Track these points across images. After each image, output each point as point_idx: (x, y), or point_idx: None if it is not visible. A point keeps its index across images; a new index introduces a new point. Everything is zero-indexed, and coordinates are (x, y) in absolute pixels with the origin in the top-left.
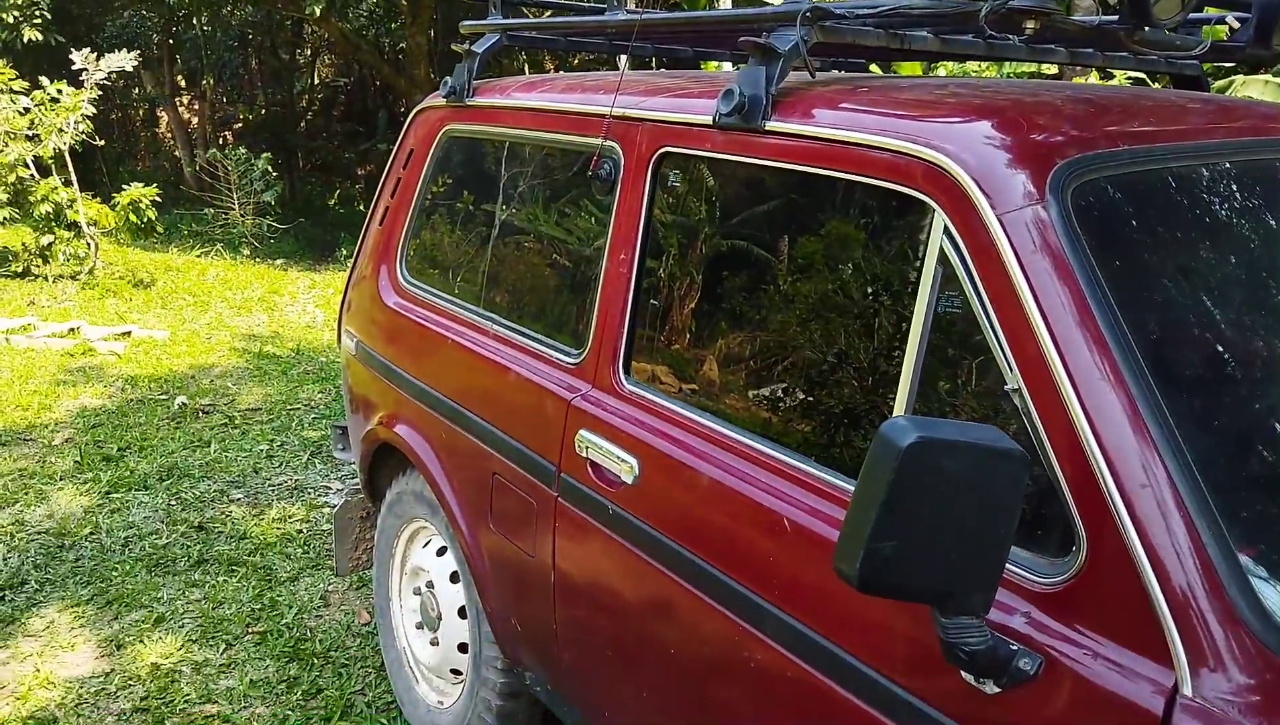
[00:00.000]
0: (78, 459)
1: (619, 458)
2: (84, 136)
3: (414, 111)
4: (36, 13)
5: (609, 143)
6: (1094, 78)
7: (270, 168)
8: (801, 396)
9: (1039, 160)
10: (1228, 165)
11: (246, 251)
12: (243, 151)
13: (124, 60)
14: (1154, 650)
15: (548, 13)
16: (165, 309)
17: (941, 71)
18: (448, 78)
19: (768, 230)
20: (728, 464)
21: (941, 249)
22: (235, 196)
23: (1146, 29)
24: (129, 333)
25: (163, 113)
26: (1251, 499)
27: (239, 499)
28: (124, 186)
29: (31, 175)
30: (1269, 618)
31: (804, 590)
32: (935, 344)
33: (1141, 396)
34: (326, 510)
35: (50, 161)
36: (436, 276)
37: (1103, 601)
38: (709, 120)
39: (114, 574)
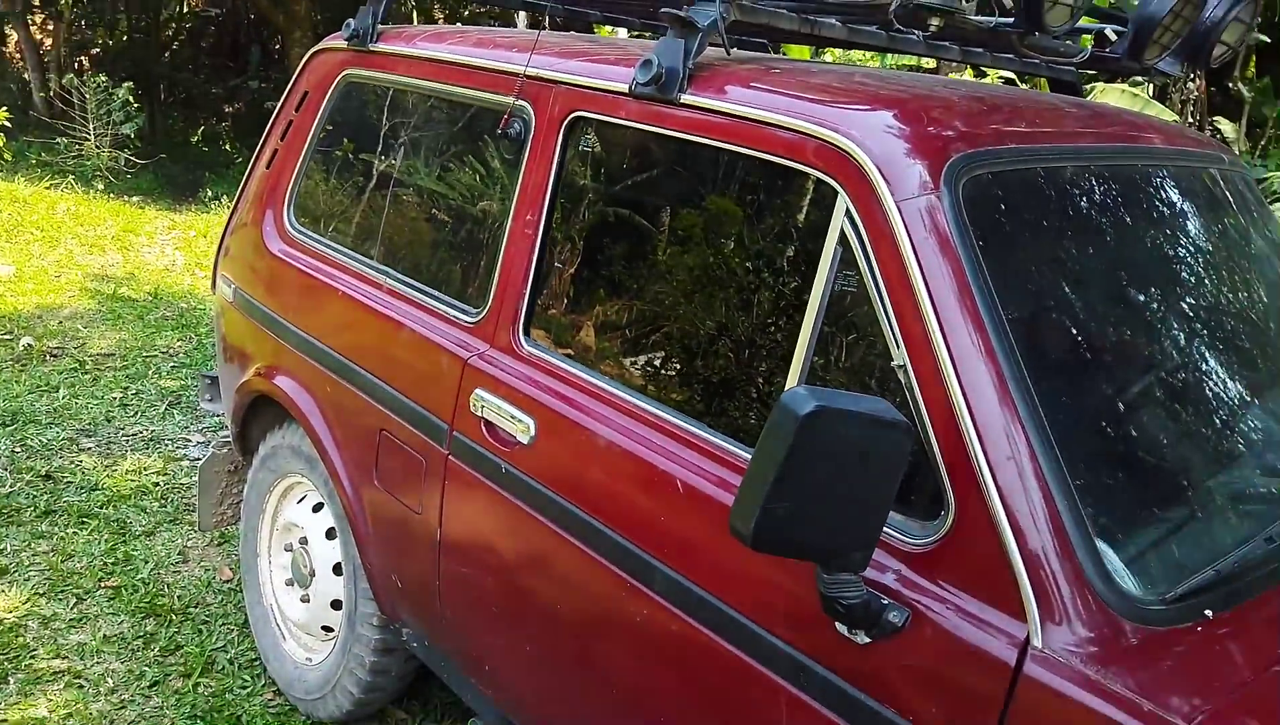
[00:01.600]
0: None
1: (515, 418)
2: None
3: (310, 52)
4: None
5: (520, 102)
6: (968, 75)
7: (132, 98)
8: (700, 364)
9: (935, 152)
10: (1100, 167)
11: (101, 186)
12: (103, 79)
13: None
14: (1010, 606)
15: None
16: (9, 243)
17: (828, 58)
18: (350, 20)
19: (675, 200)
20: (624, 426)
21: (842, 230)
22: (91, 127)
23: (1037, 34)
24: None
25: (12, 31)
26: (1104, 472)
27: (90, 448)
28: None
29: None
30: (1111, 578)
31: (693, 548)
32: (829, 319)
33: (1012, 376)
34: (185, 463)
35: None
36: (327, 226)
37: (966, 561)
38: (624, 88)
39: None
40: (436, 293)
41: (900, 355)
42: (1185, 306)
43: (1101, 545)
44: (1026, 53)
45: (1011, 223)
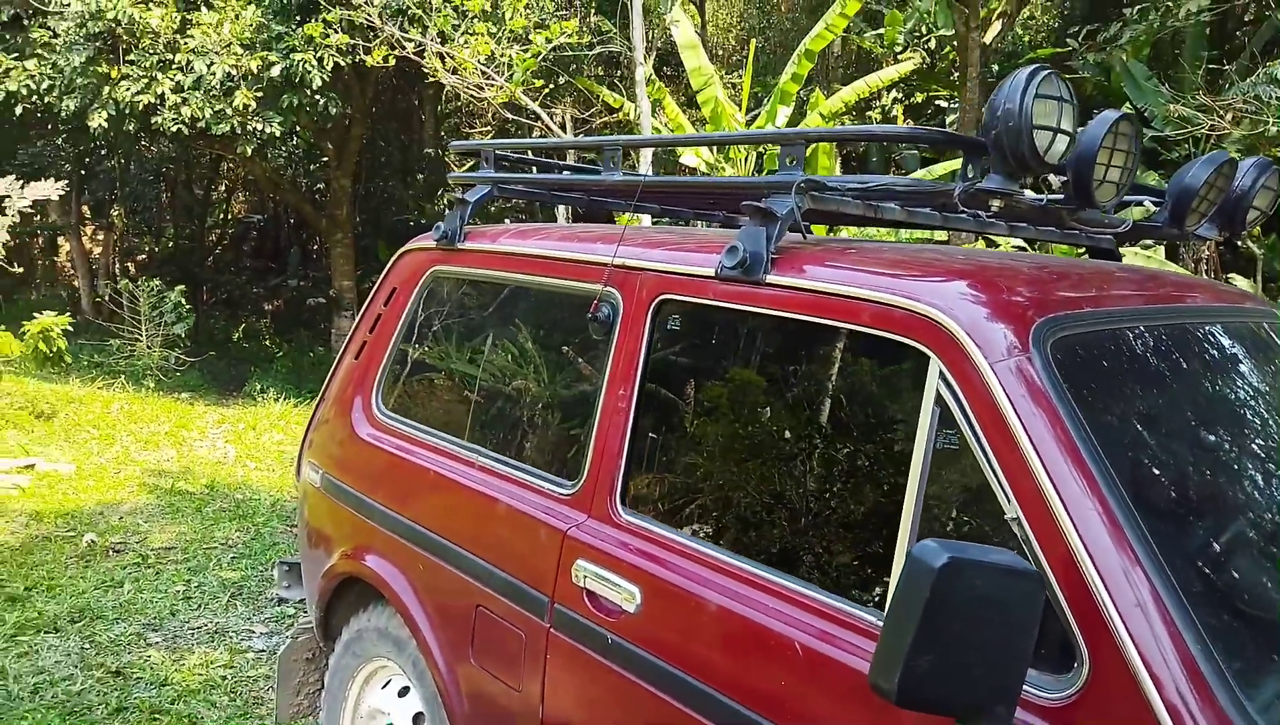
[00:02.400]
0: None
1: (620, 586)
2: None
3: (399, 253)
4: None
5: (609, 288)
6: (981, 243)
7: (184, 300)
8: (807, 528)
9: (1020, 317)
10: (1165, 324)
11: (151, 384)
12: (156, 282)
13: (49, 189)
14: None
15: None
16: (69, 442)
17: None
18: (439, 223)
19: (764, 371)
20: (735, 591)
21: (938, 392)
22: (144, 328)
23: (1087, 209)
24: (33, 466)
25: (64, 241)
26: (1225, 614)
27: (157, 643)
28: (33, 315)
29: None
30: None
31: (815, 713)
32: (933, 476)
33: (1126, 522)
34: (251, 655)
35: None
36: (416, 410)
37: (1106, 713)
38: (709, 271)
39: (24, 724)
40: (530, 468)
41: (1013, 508)
42: (1258, 446)
43: (1240, 688)
44: (1077, 226)
45: (1095, 379)
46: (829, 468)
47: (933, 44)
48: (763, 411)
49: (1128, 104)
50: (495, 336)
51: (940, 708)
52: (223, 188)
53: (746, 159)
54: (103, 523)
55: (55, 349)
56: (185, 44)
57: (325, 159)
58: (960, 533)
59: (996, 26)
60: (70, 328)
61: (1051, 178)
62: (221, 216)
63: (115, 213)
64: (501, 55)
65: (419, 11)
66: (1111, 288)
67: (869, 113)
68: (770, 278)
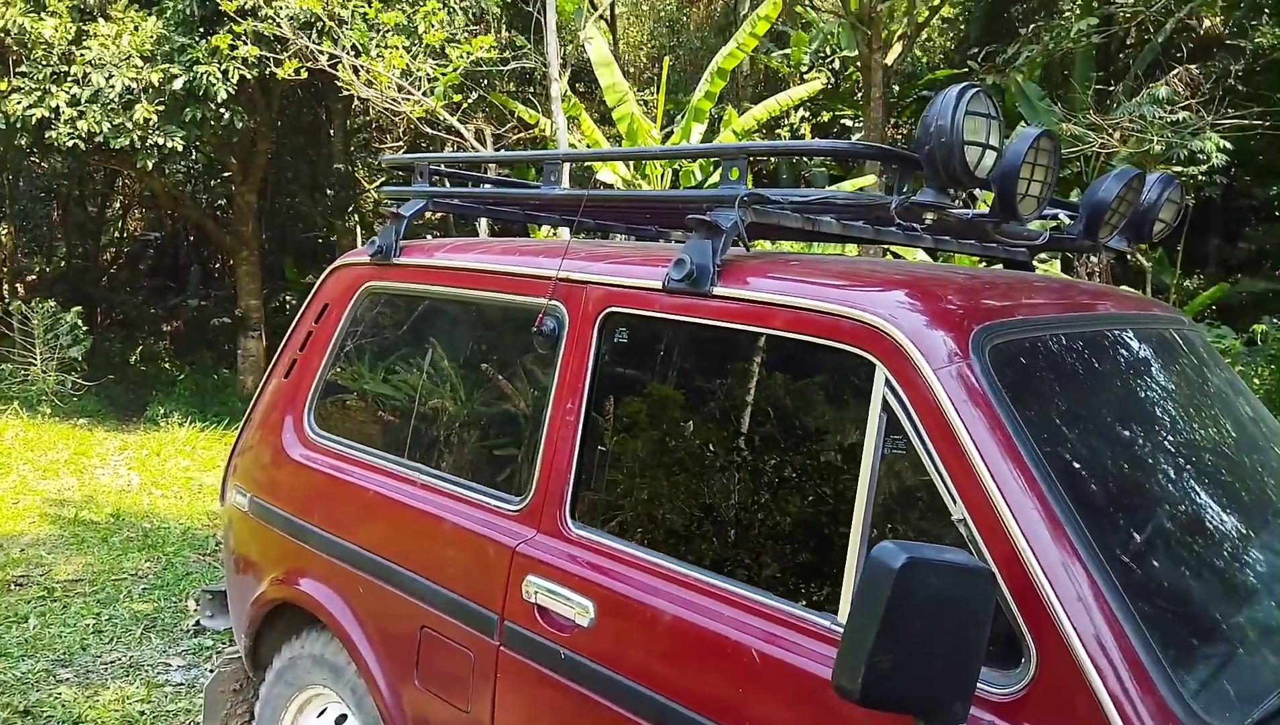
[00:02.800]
0: None
1: (572, 601)
2: None
3: (330, 268)
4: None
5: (554, 302)
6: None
7: (80, 322)
8: (758, 535)
9: (959, 325)
10: (1088, 331)
11: (47, 410)
12: (51, 304)
13: None
14: None
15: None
16: None
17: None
18: (374, 237)
19: (711, 381)
20: (691, 602)
21: (884, 398)
22: (38, 351)
23: (1010, 222)
24: None
25: None
26: (1160, 603)
27: (68, 679)
28: None
29: None
30: (1193, 712)
31: (773, 718)
32: (881, 480)
33: (1065, 518)
34: (169, 689)
35: None
36: (353, 428)
37: (1054, 705)
38: (656, 284)
39: None
40: (474, 484)
41: (959, 509)
42: (1178, 443)
43: (1177, 676)
44: (998, 238)
45: (1029, 383)
46: (776, 475)
47: (836, 65)
48: (711, 422)
49: (1022, 123)
50: (433, 352)
51: (901, 705)
52: (117, 205)
53: (663, 176)
54: (2, 555)
55: None
56: (81, 56)
57: (228, 174)
58: (907, 535)
59: (897, 49)
60: None
61: (976, 192)
62: (117, 234)
63: (3, 231)
64: (418, 69)
65: (331, 24)
66: (1036, 297)
67: (778, 131)
68: (717, 290)
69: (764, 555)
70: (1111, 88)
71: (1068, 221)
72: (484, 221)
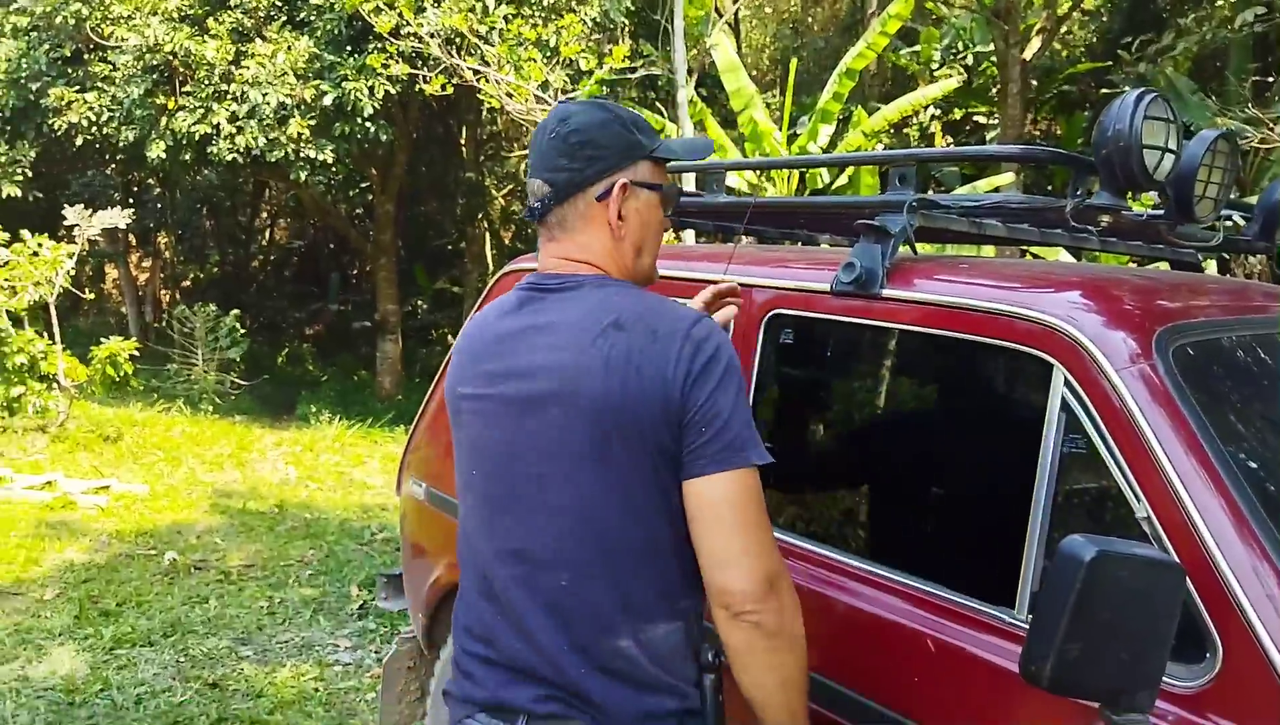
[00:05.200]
0: (75, 614)
1: None
2: (65, 290)
3: (502, 271)
4: (18, 169)
5: None
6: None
7: (239, 325)
8: (931, 530)
9: (1141, 326)
10: (1264, 331)
11: (209, 407)
12: (213, 308)
13: (117, 217)
14: None
15: None
16: (138, 464)
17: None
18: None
19: (879, 380)
20: (863, 593)
21: (1064, 398)
22: (200, 352)
23: (1186, 224)
24: (108, 487)
25: (111, 268)
26: None
27: (249, 656)
28: (96, 341)
29: (5, 327)
30: None
31: (955, 706)
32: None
33: (1253, 518)
34: (339, 668)
35: (24, 314)
36: None
37: (1240, 699)
38: (823, 287)
39: None
40: None
41: (1142, 508)
42: None
43: None
44: (1170, 240)
45: (1212, 383)
46: (946, 471)
47: (969, 61)
48: (879, 419)
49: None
50: None
51: (1088, 693)
52: (265, 215)
53: (789, 179)
54: (181, 541)
55: (123, 373)
56: (240, 75)
57: (365, 184)
58: (1084, 532)
59: (1036, 43)
60: (137, 353)
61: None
62: (264, 242)
63: (163, 240)
64: (555, 81)
65: (474, 40)
66: (1213, 298)
67: (905, 130)
68: (886, 292)
69: (937, 550)
70: (1271, 80)
71: (1242, 223)
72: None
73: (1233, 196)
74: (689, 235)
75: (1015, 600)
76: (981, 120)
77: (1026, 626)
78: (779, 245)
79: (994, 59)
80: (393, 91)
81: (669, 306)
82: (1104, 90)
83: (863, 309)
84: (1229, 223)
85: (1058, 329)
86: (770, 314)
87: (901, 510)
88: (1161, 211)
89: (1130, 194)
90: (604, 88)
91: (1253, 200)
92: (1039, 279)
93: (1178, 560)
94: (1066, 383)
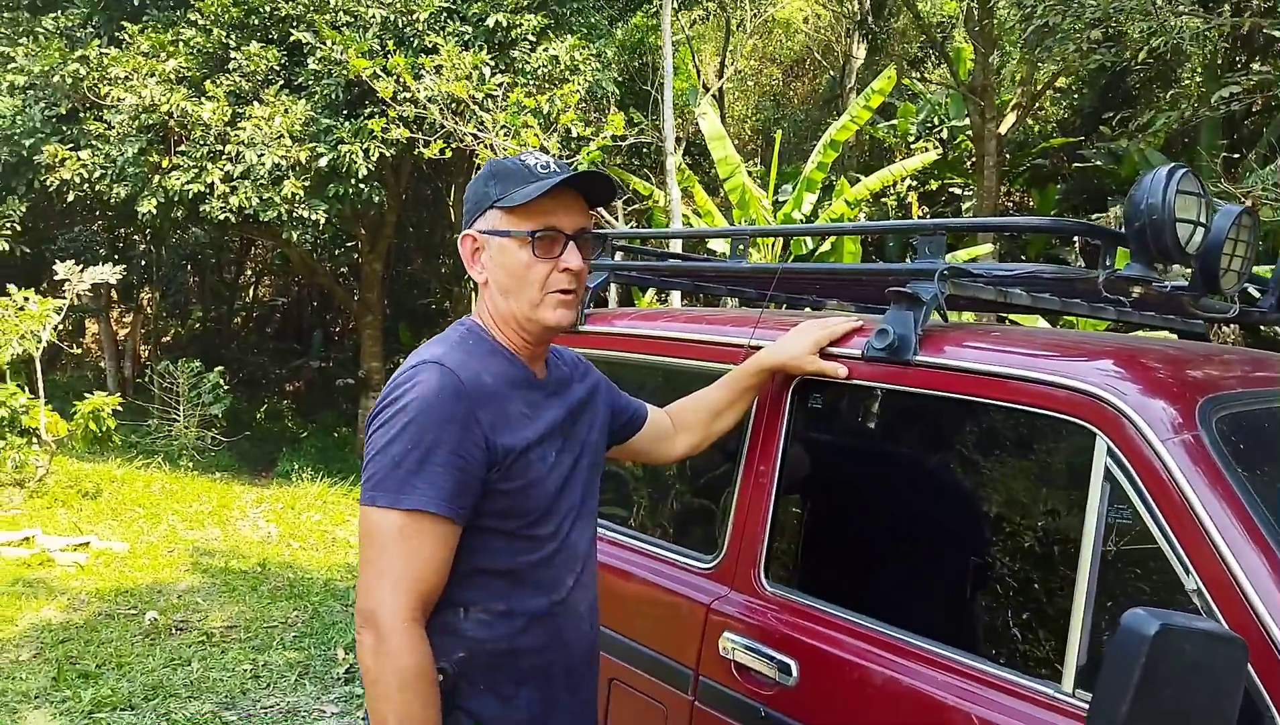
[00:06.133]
0: (53, 676)
1: (773, 659)
2: (50, 344)
3: None
4: (7, 225)
5: None
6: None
7: (222, 381)
8: (968, 601)
9: (1183, 396)
10: None
11: (188, 463)
12: (197, 363)
13: (108, 273)
14: None
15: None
16: (117, 520)
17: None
18: None
19: (910, 447)
20: (902, 665)
21: (1106, 468)
22: (181, 407)
23: (1209, 296)
24: (88, 543)
25: (91, 323)
26: None
27: (233, 722)
28: (86, 395)
29: None
30: None
31: None
32: (1105, 548)
33: None
34: None
35: (6, 368)
36: None
37: None
38: (854, 352)
39: None
40: (660, 541)
41: (1192, 579)
42: None
43: None
44: (1194, 312)
45: (1256, 453)
46: (983, 541)
47: (944, 134)
48: (910, 488)
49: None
50: None
51: None
52: (249, 272)
53: (773, 246)
54: (162, 600)
55: (105, 428)
56: (236, 135)
57: (351, 243)
58: (1131, 603)
59: (1010, 118)
60: (119, 408)
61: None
62: (248, 299)
63: (145, 296)
64: (552, 147)
65: (473, 108)
66: (1243, 368)
67: (884, 199)
68: (919, 358)
69: (976, 622)
70: (1238, 155)
71: (1257, 295)
72: (677, 293)
73: None
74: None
75: (1061, 674)
76: (956, 191)
77: (1073, 701)
78: (799, 311)
79: (969, 133)
80: (387, 155)
81: (421, 352)
82: (1076, 164)
83: (895, 375)
84: (1245, 295)
85: (1100, 398)
86: (799, 379)
87: (939, 581)
88: (1186, 284)
89: (1161, 266)
90: (603, 154)
91: (1265, 271)
92: (1074, 348)
93: (1239, 636)
94: (1110, 452)
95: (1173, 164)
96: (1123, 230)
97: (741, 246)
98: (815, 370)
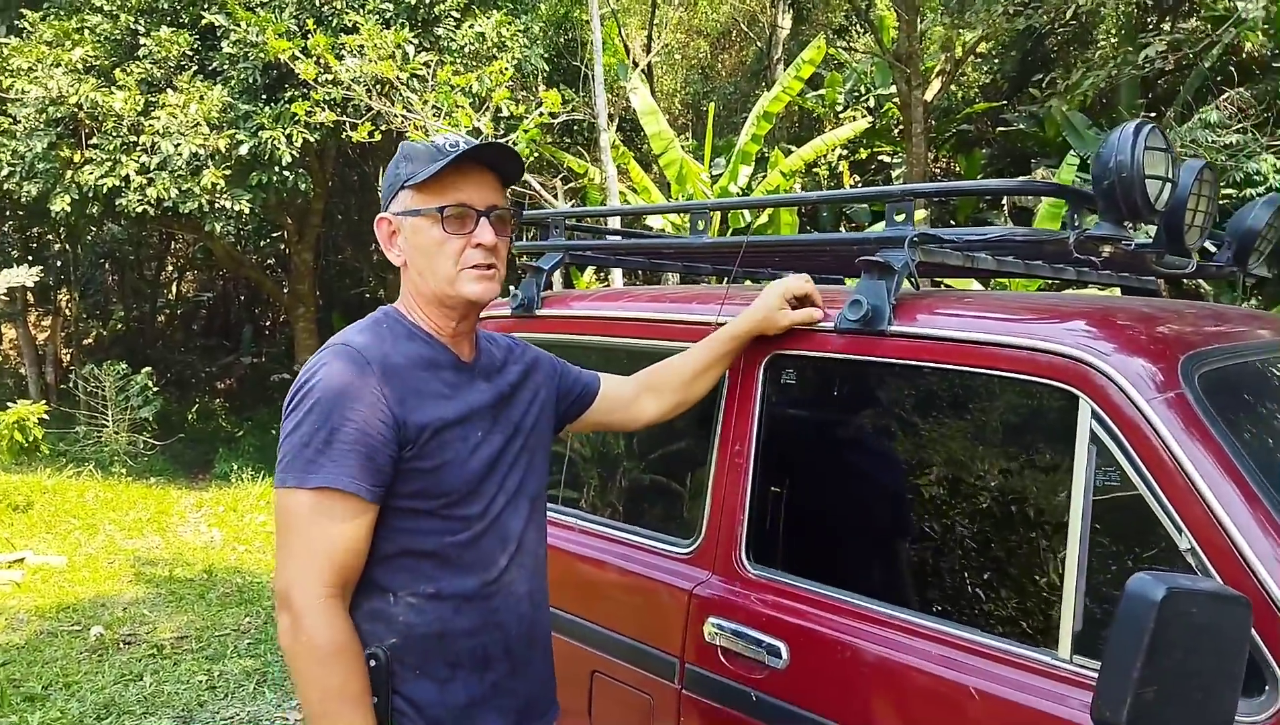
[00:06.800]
0: None
1: (762, 642)
2: None
3: None
4: None
5: None
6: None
7: (150, 382)
8: (956, 572)
9: (1164, 355)
10: (1264, 355)
11: (122, 470)
12: (123, 366)
13: (23, 276)
14: None
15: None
16: (51, 533)
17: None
18: (514, 289)
19: (889, 418)
20: (895, 641)
21: (1092, 431)
22: (110, 412)
23: (1174, 253)
24: (23, 559)
25: (8, 328)
26: None
27: None
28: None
29: None
30: None
31: None
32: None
33: None
34: None
35: None
36: None
37: None
38: (826, 325)
39: None
40: (637, 528)
41: (1185, 539)
42: None
43: None
44: (1157, 269)
45: (1237, 408)
46: (968, 510)
47: (871, 103)
48: (891, 460)
49: (1071, 152)
50: None
51: None
52: (171, 267)
53: (713, 220)
54: (106, 614)
55: (31, 438)
56: (150, 125)
57: (277, 233)
58: (1123, 567)
59: (935, 85)
60: (45, 416)
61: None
62: (171, 296)
63: (63, 297)
64: (485, 127)
65: (403, 89)
66: (1213, 324)
67: (815, 170)
68: (893, 328)
69: (967, 594)
70: (1158, 114)
71: (1214, 250)
72: (618, 272)
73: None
74: (616, 275)
75: (1057, 641)
76: (886, 159)
77: (1070, 667)
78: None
79: (896, 101)
80: (311, 140)
81: (333, 339)
82: (1000, 128)
83: (869, 346)
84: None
85: (1081, 360)
86: (771, 355)
87: (927, 554)
88: (1151, 241)
89: (1130, 224)
90: (542, 132)
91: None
92: (1049, 311)
93: (1242, 594)
94: (1094, 414)
95: (1138, 120)
96: (1089, 189)
97: (702, 222)
98: (790, 322)
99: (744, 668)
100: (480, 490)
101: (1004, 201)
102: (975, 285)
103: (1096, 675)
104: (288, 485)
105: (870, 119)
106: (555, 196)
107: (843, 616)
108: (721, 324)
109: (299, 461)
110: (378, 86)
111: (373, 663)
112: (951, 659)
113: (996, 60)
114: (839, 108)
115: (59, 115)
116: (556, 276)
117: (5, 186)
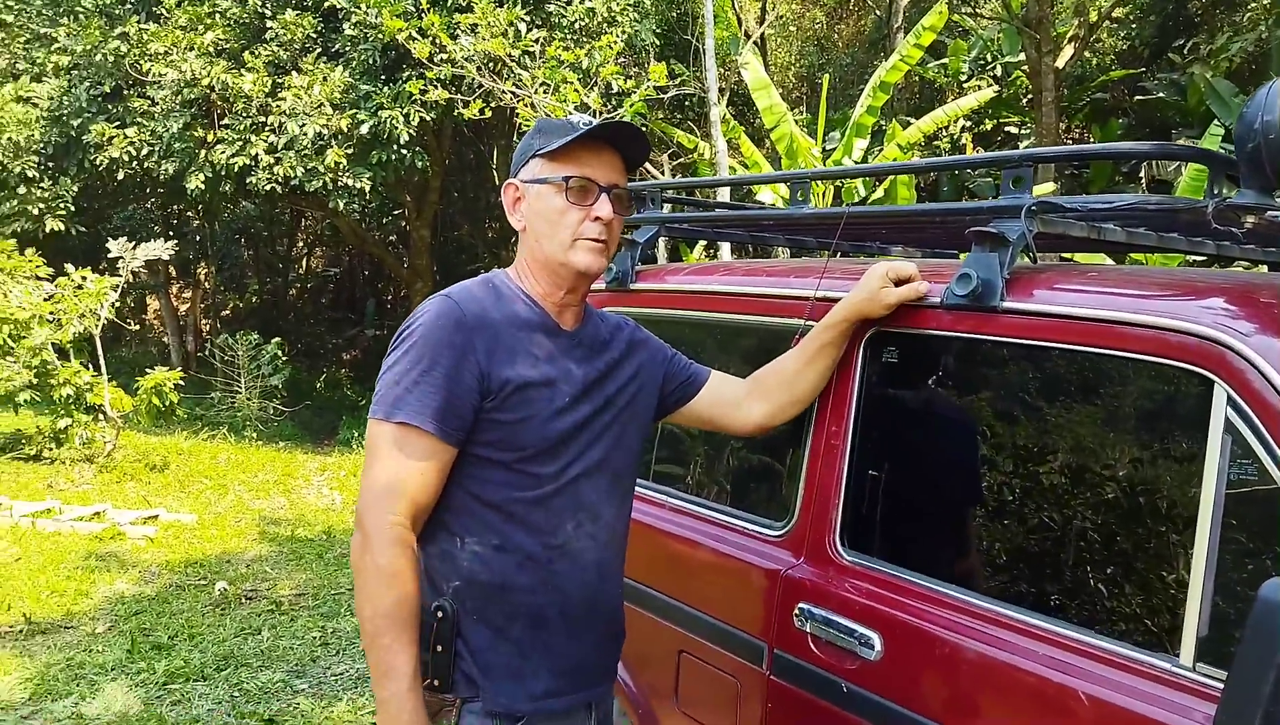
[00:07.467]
0: (127, 648)
1: (855, 632)
2: (109, 321)
3: None
4: (61, 205)
5: (811, 323)
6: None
7: (280, 352)
8: (1068, 567)
9: None
10: None
11: (253, 434)
12: (255, 336)
13: (160, 249)
14: None
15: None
16: (184, 493)
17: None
18: (610, 265)
19: (1001, 400)
20: (999, 639)
21: (1228, 419)
22: (243, 380)
23: None
24: (157, 516)
25: (152, 299)
26: None
27: (304, 690)
28: (147, 370)
29: (52, 360)
30: None
31: None
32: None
33: None
34: None
35: (69, 346)
36: None
37: None
38: (932, 301)
39: None
40: (729, 508)
41: None
42: None
43: None
44: None
45: None
46: (1084, 501)
47: (998, 72)
48: (1002, 444)
49: (1215, 122)
50: None
51: None
52: (300, 243)
53: (824, 193)
54: (230, 571)
55: (168, 403)
56: (277, 106)
57: (398, 211)
58: (1259, 569)
59: (1068, 51)
60: (182, 382)
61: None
62: (301, 271)
63: (202, 271)
64: (593, 103)
65: (512, 65)
66: None
67: (936, 142)
68: (1005, 304)
69: (1080, 591)
70: None
71: None
72: (727, 247)
73: None
74: (725, 250)
75: (1179, 647)
76: (1013, 130)
77: (1193, 675)
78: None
79: (1024, 69)
80: (428, 119)
81: (442, 291)
82: (1138, 97)
83: (979, 323)
84: None
85: (1218, 341)
86: (871, 332)
87: (1036, 547)
88: None
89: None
90: (646, 107)
91: None
92: (1182, 286)
93: None
94: (1230, 401)
95: None
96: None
97: (802, 192)
98: (896, 299)
99: (835, 657)
100: (556, 452)
101: (1141, 175)
102: (1108, 263)
103: (1221, 687)
104: (376, 417)
105: (996, 88)
106: (661, 171)
107: (941, 609)
108: (821, 299)
109: (389, 397)
110: (489, 64)
111: (440, 614)
112: (1059, 660)
113: (1134, 24)
114: (962, 77)
115: (193, 97)
116: (663, 252)
117: (145, 165)
